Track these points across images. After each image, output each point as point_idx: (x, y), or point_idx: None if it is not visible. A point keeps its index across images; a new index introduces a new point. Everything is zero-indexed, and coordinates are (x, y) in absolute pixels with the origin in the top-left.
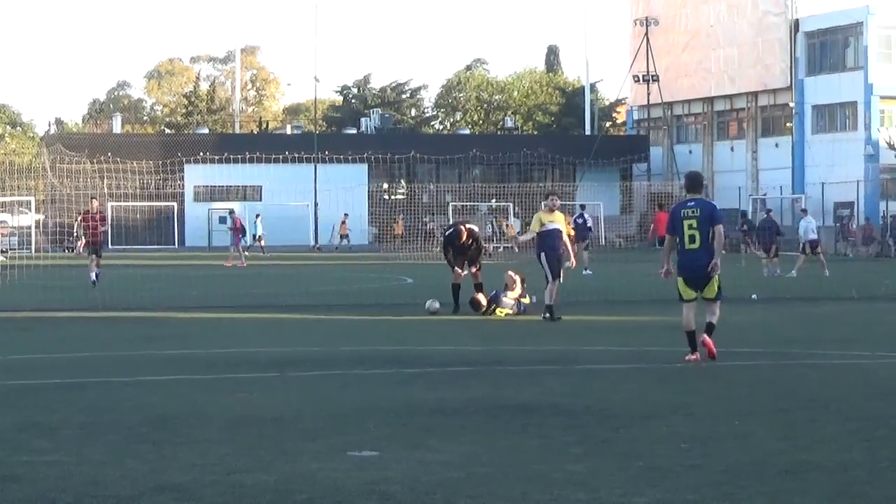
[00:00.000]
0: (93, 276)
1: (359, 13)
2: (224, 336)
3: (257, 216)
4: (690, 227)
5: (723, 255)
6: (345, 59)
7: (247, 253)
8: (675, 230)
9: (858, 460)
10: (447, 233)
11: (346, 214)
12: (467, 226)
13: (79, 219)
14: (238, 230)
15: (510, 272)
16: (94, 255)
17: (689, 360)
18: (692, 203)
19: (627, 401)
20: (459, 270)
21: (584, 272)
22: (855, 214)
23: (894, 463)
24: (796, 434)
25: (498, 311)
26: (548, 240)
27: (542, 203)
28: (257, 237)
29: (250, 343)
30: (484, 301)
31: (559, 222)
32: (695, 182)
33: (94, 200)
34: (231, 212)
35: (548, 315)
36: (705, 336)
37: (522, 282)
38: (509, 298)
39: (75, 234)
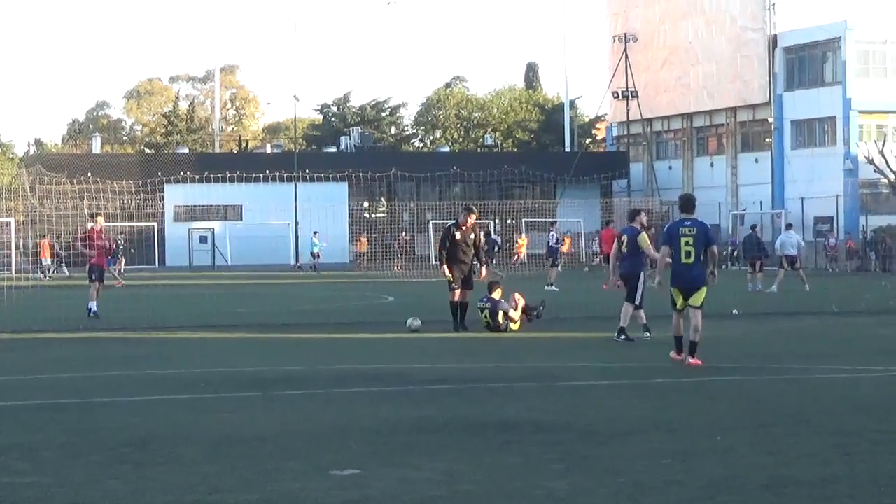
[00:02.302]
0: (93, 305)
1: (338, 32)
2: (205, 356)
3: (315, 233)
4: (687, 243)
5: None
6: (324, 78)
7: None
8: (672, 244)
9: (839, 475)
10: (449, 225)
11: (362, 233)
12: (474, 218)
13: (80, 237)
14: (110, 250)
15: (517, 294)
16: (97, 282)
17: (675, 359)
18: (689, 223)
19: (608, 417)
20: (458, 291)
21: (546, 287)
22: (834, 229)
23: (874, 477)
24: (777, 449)
25: (510, 321)
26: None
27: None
28: (315, 254)
29: (231, 363)
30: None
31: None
32: (688, 203)
33: (98, 217)
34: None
35: (648, 334)
36: (690, 360)
37: (525, 306)
38: (509, 317)
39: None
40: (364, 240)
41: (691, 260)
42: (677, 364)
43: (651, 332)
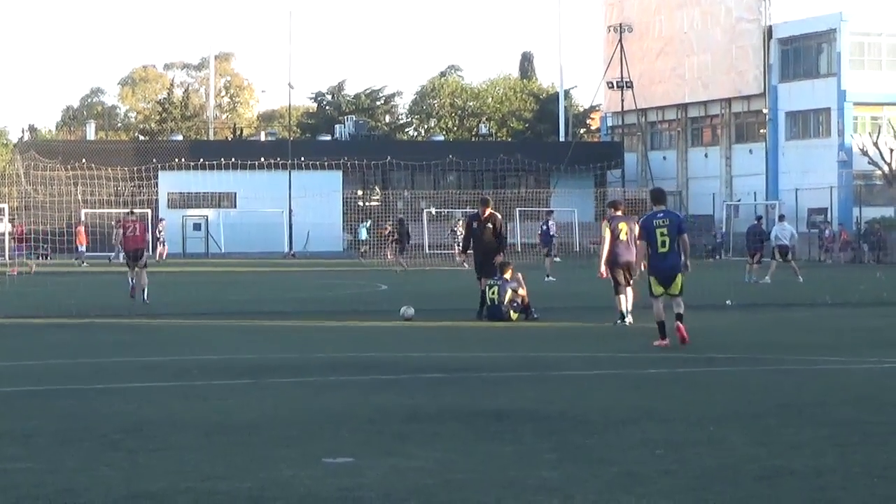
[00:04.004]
0: (145, 291)
1: (333, 20)
2: (198, 343)
3: (362, 221)
4: (662, 234)
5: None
6: (319, 66)
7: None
8: (649, 237)
9: (832, 466)
10: (469, 216)
11: (389, 222)
12: (489, 210)
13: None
14: (21, 239)
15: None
16: (136, 268)
17: (660, 345)
18: (661, 214)
19: (601, 407)
20: (484, 280)
21: (545, 279)
22: (828, 220)
23: (868, 469)
24: (770, 440)
25: (512, 312)
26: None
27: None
28: (362, 242)
29: (224, 350)
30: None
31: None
32: (659, 196)
33: (134, 214)
34: (12, 220)
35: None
36: (678, 324)
37: (527, 303)
38: (513, 299)
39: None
40: (389, 227)
41: (667, 249)
42: (670, 354)
43: (621, 321)
